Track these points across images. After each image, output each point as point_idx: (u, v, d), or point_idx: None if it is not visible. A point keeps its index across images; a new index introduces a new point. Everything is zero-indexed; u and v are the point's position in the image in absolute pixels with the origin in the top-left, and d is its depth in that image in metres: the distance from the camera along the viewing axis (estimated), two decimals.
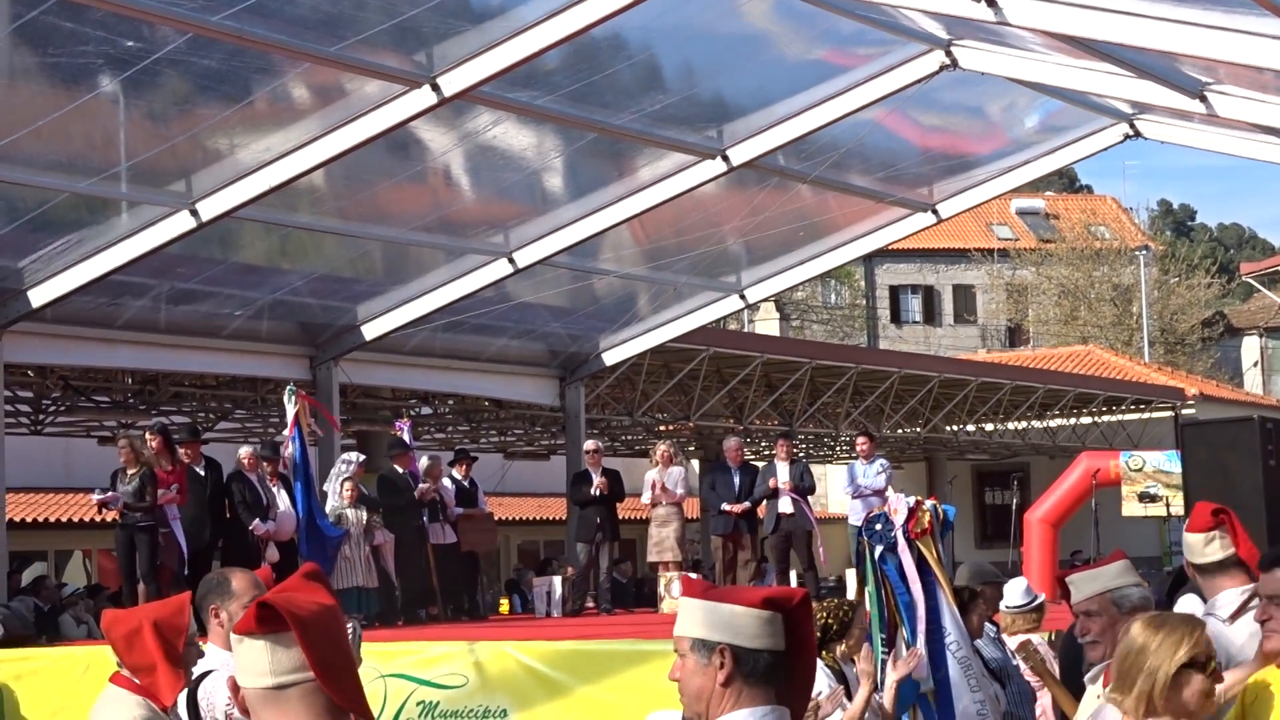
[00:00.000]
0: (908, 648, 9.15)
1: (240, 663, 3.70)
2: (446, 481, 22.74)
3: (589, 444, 24.24)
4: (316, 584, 3.80)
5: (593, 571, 23.20)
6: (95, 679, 7.18)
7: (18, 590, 25.87)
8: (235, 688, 3.74)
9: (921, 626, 9.22)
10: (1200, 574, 7.15)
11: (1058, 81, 17.60)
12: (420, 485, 21.83)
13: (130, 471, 18.96)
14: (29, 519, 32.79)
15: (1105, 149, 21.09)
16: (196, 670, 7.24)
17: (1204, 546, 7.04)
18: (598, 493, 22.85)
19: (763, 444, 40.00)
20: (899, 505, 9.36)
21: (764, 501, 22.90)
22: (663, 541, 22.77)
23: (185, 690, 7.09)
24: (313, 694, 3.66)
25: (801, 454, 29.52)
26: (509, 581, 35.64)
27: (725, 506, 22.72)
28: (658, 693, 13.44)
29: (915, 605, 9.30)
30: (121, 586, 20.15)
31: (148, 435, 19.87)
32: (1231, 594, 6.67)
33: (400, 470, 21.98)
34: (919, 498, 9.93)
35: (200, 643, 7.38)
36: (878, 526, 9.51)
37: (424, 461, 22.64)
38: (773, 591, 4.34)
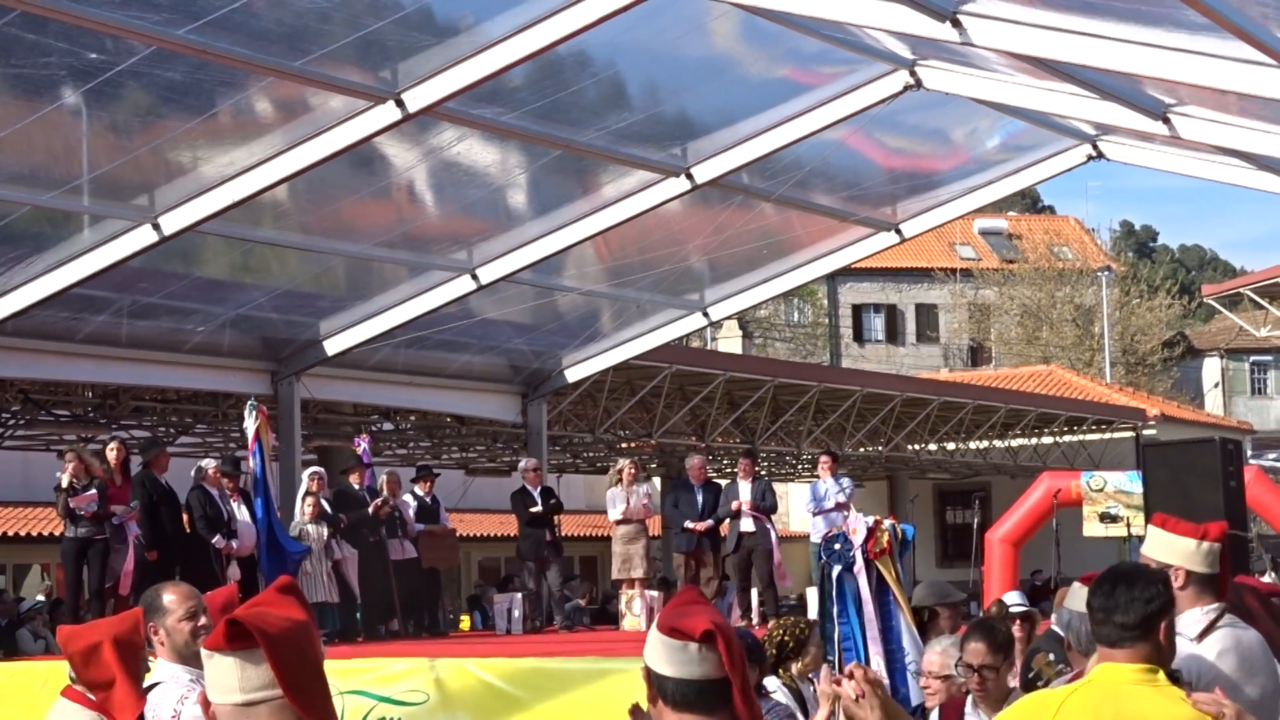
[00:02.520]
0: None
1: (210, 678, 3.68)
2: (408, 497, 22.71)
3: (527, 462, 24.26)
4: (290, 598, 3.78)
5: (543, 589, 23.20)
6: (52, 694, 7.12)
7: None
8: (206, 702, 3.72)
9: (877, 648, 9.27)
10: None
11: (1021, 102, 17.63)
12: (376, 500, 21.81)
13: (78, 485, 18.79)
14: None
15: (1068, 170, 21.17)
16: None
17: None
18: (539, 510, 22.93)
19: (724, 462, 40.03)
20: (858, 525, 9.40)
21: (726, 520, 22.93)
22: (630, 558, 22.75)
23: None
24: (282, 710, 3.65)
25: (764, 472, 29.53)
26: (470, 598, 35.60)
27: (689, 524, 22.74)
28: (618, 711, 13.43)
29: (868, 626, 9.34)
30: (66, 599, 19.99)
31: (111, 447, 19.79)
32: (1195, 613, 6.66)
33: (356, 485, 21.96)
34: (878, 517, 9.97)
35: (150, 657, 7.34)
36: (836, 546, 9.56)
37: (381, 477, 22.60)
38: (683, 621, 4.32)
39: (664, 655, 4.28)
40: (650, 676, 4.30)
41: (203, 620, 7.34)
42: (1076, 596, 6.88)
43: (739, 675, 4.19)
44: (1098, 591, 5.64)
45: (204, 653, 3.71)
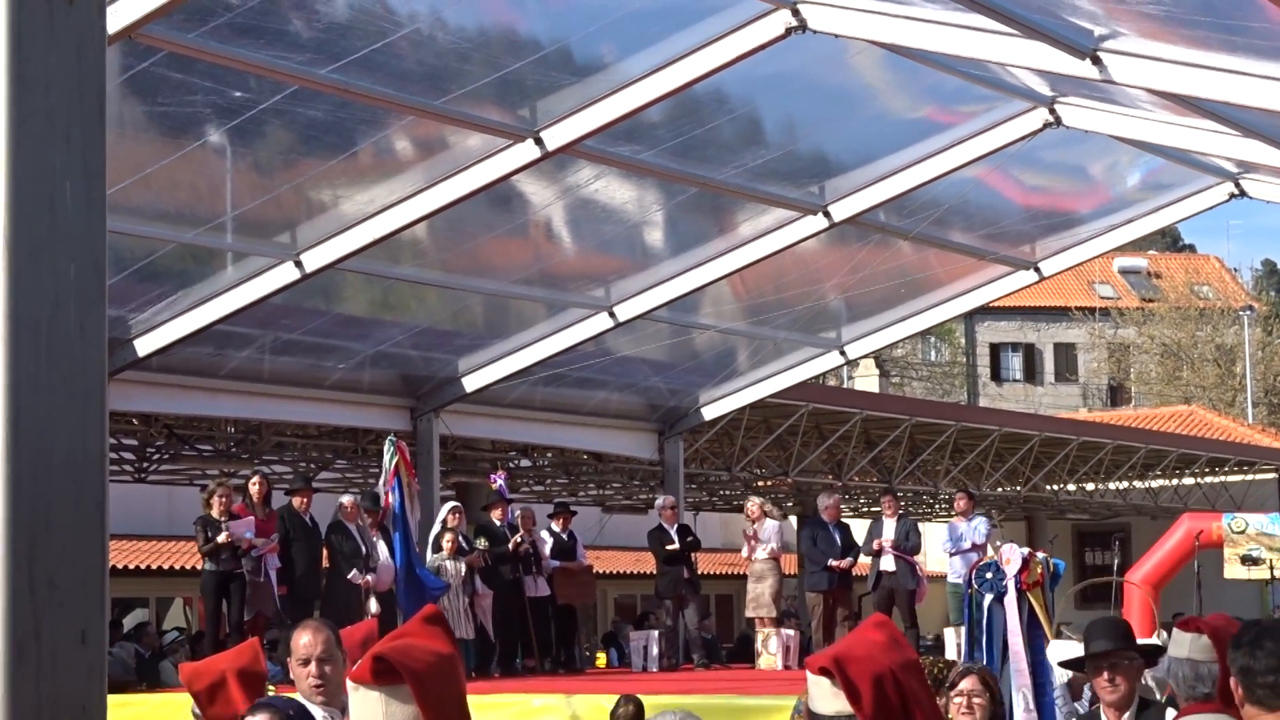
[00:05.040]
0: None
1: (355, 711, 3.70)
2: (544, 534, 22.76)
3: (664, 499, 24.23)
4: (436, 628, 3.79)
5: (680, 626, 23.19)
6: None
7: (120, 636, 26.10)
8: None
9: (1025, 680, 9.25)
10: None
11: (1162, 139, 17.49)
12: (515, 537, 21.86)
13: (223, 520, 19.04)
14: (131, 566, 33.06)
15: (1209, 208, 20.94)
16: None
17: None
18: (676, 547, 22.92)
19: (861, 500, 39.85)
20: (1012, 555, 9.32)
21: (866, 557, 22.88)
22: (759, 597, 22.71)
23: None
24: None
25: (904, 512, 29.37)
26: (606, 635, 35.61)
27: (832, 563, 22.63)
28: None
29: (1014, 659, 9.28)
30: (206, 632, 20.16)
31: (254, 481, 20.01)
32: None
33: (497, 521, 22.01)
34: (1032, 549, 9.92)
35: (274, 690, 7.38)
36: (988, 575, 9.49)
37: (516, 513, 22.66)
38: (817, 655, 4.32)
39: (809, 688, 4.30)
40: (806, 712, 4.31)
41: (316, 668, 7.42)
42: (1175, 643, 6.87)
43: (870, 709, 4.17)
44: (1241, 647, 5.44)
45: (350, 685, 3.74)
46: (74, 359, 2.67)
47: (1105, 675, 7.87)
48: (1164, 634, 11.59)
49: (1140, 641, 8.85)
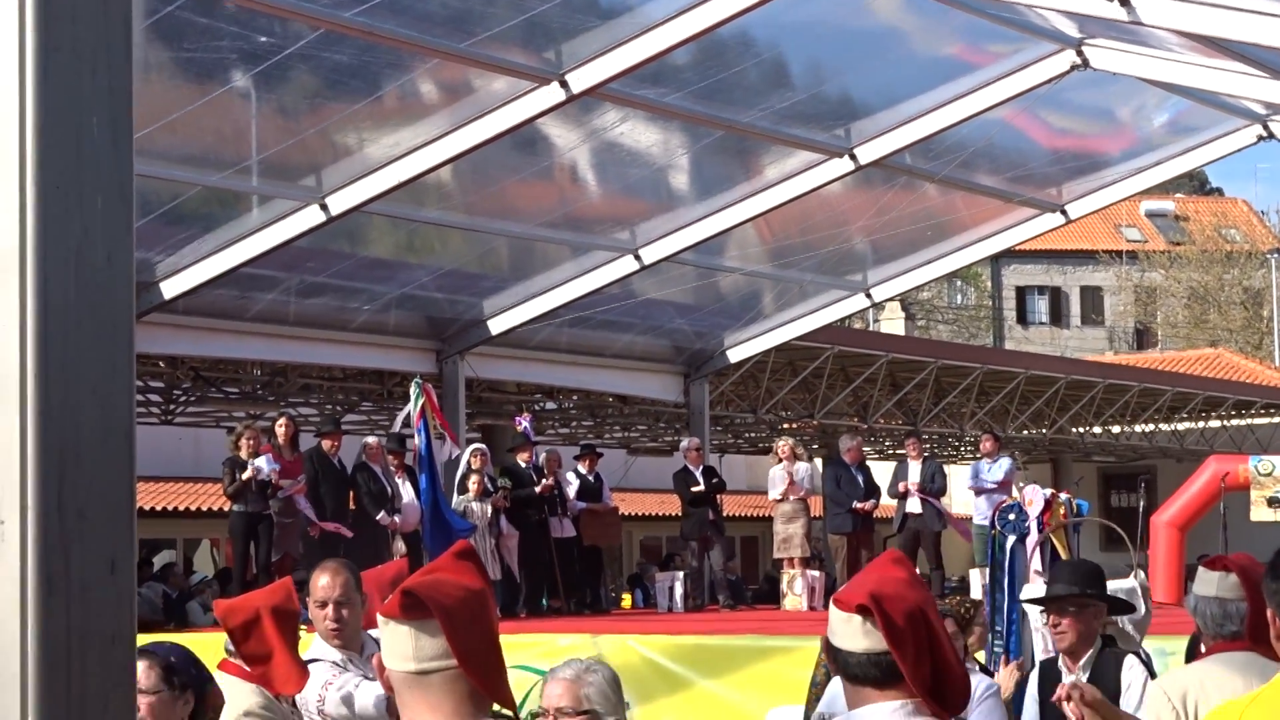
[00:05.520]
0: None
1: (386, 645, 3.72)
2: (570, 476, 22.79)
3: (689, 441, 24.23)
4: (467, 563, 3.81)
5: (706, 568, 23.24)
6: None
7: (147, 577, 26.25)
8: (381, 667, 3.77)
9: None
10: None
11: (1190, 81, 17.43)
12: (544, 480, 21.89)
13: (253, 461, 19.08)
14: (158, 507, 33.19)
15: (1237, 151, 20.86)
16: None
17: None
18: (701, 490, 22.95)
19: (886, 443, 39.86)
20: (1034, 496, 9.32)
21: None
22: (790, 538, 22.71)
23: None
24: (456, 680, 3.67)
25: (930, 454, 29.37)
26: (632, 576, 35.71)
27: (856, 505, 22.65)
28: (779, 689, 13.46)
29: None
30: (234, 573, 20.23)
31: (281, 423, 20.06)
32: None
33: (522, 463, 22.04)
34: (1054, 490, 9.91)
35: (304, 630, 7.43)
36: (1011, 516, 9.50)
37: (542, 455, 22.68)
38: (847, 592, 4.30)
39: (834, 626, 4.28)
40: (827, 648, 4.30)
41: (333, 611, 7.48)
42: (1202, 581, 6.81)
43: (907, 649, 4.14)
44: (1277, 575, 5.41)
45: (379, 619, 3.76)
46: (102, 289, 2.70)
47: (1052, 619, 7.70)
48: (1140, 574, 11.52)
49: (1112, 585, 8.71)
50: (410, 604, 3.67)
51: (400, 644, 3.70)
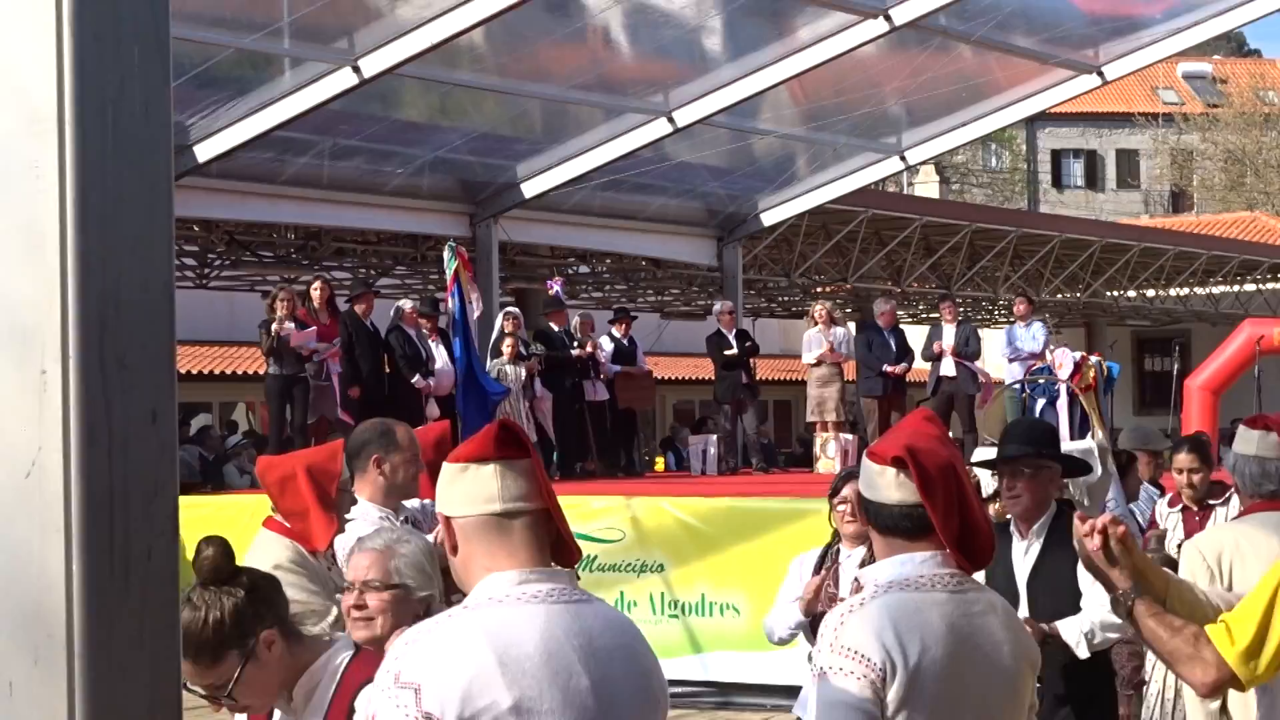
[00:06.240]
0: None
1: (460, 490, 3.71)
2: (604, 339, 22.79)
3: (723, 305, 24.09)
4: (512, 433, 3.83)
5: (739, 431, 23.29)
6: (257, 526, 7.27)
7: (184, 440, 26.41)
8: (446, 520, 3.77)
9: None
10: None
11: None
12: (585, 345, 21.89)
13: (289, 321, 19.05)
14: (194, 371, 33.35)
15: (1276, 11, 20.68)
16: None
17: None
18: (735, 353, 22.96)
19: (920, 307, 39.81)
20: (1063, 359, 9.33)
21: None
22: (825, 402, 22.70)
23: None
24: (536, 524, 3.70)
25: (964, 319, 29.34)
26: (665, 439, 35.84)
27: (887, 368, 22.60)
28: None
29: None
30: (270, 436, 20.31)
31: (316, 286, 20.05)
32: None
33: (555, 327, 22.04)
34: (1084, 353, 9.90)
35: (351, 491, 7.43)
36: (1040, 380, 9.51)
37: (575, 319, 22.66)
38: (882, 445, 4.35)
39: (866, 479, 4.33)
40: (859, 500, 4.36)
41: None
42: (1242, 440, 6.80)
43: (938, 501, 4.20)
44: None
45: (451, 466, 3.75)
46: (140, 140, 2.71)
47: (1006, 483, 7.24)
48: (1099, 433, 11.38)
49: (1068, 447, 8.50)
50: (506, 439, 3.69)
51: (483, 486, 3.68)
